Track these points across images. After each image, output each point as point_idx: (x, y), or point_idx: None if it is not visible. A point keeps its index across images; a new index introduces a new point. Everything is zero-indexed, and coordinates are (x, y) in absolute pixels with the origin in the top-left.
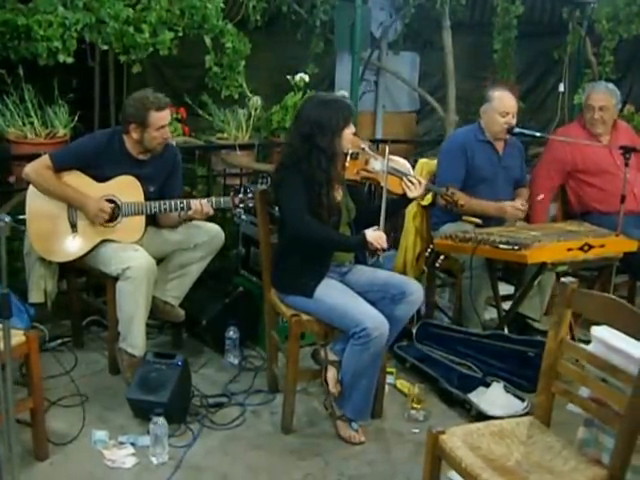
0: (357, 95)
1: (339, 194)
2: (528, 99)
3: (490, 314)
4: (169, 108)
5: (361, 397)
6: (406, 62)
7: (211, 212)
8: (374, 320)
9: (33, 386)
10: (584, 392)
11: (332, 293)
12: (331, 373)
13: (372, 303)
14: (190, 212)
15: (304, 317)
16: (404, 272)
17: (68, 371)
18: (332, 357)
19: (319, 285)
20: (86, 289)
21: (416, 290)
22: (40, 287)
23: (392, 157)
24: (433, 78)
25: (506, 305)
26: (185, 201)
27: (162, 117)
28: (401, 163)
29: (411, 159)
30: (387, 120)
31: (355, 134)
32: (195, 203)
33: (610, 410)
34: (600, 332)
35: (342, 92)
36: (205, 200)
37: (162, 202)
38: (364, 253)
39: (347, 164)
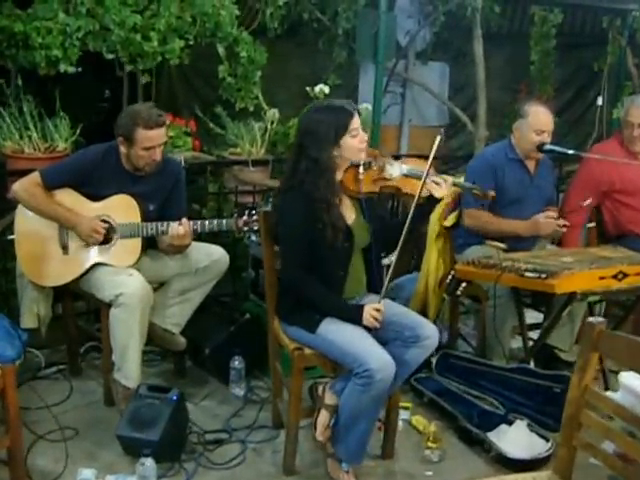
0: (380, 108)
1: (350, 214)
2: (565, 113)
3: (517, 342)
4: (163, 128)
5: (356, 440)
6: (435, 73)
7: (187, 241)
8: (379, 361)
9: (10, 423)
10: (609, 446)
11: (337, 328)
12: (322, 417)
13: (382, 342)
14: (167, 237)
15: (307, 351)
16: (425, 297)
17: (57, 403)
18: (329, 399)
19: (324, 320)
20: (86, 312)
21: (431, 335)
22: (33, 311)
23: (407, 160)
24: (465, 90)
25: (534, 334)
26: (165, 224)
27: (150, 137)
28: (419, 164)
29: None
30: (413, 135)
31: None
32: (173, 226)
33: (638, 468)
34: (629, 380)
35: (365, 105)
36: (185, 221)
37: (159, 224)
38: (378, 281)
39: (361, 176)
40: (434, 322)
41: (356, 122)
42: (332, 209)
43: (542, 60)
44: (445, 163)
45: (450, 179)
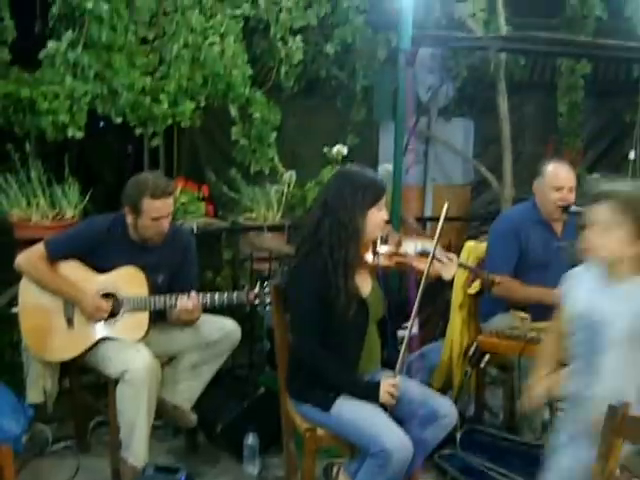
0: (401, 168)
1: (366, 285)
2: (597, 167)
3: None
4: (171, 197)
5: None
6: (459, 129)
7: (196, 315)
8: (396, 440)
9: None
10: None
11: (352, 407)
12: None
13: (398, 421)
14: (176, 310)
15: (320, 432)
16: (450, 367)
17: None
18: None
19: (338, 398)
20: (95, 385)
21: (449, 413)
22: (39, 386)
23: (424, 238)
24: (492, 146)
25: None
26: (174, 297)
27: (157, 207)
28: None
29: (464, 240)
30: (437, 194)
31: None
32: (181, 300)
33: None
34: None
35: (386, 166)
36: (194, 295)
37: (168, 297)
38: (394, 355)
39: (379, 249)
40: (459, 393)
41: (385, 198)
42: (349, 275)
43: (570, 112)
44: (469, 225)
45: (456, 259)
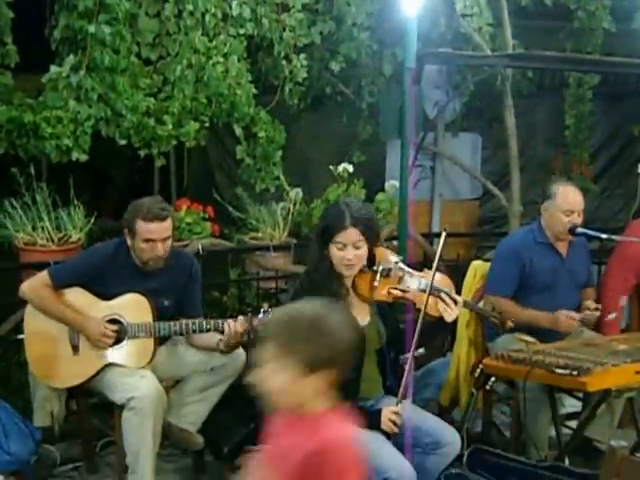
0: (407, 185)
1: (363, 316)
2: (603, 179)
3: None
4: (165, 222)
5: None
6: (466, 145)
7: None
8: (399, 469)
9: None
10: None
11: None
12: None
13: (401, 448)
14: (225, 338)
15: None
16: (457, 386)
17: None
18: None
19: None
20: (103, 406)
21: (452, 441)
22: (46, 410)
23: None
24: (500, 158)
25: (574, 423)
26: (178, 324)
27: (149, 230)
28: (444, 282)
29: (472, 254)
30: (445, 210)
31: (387, 247)
32: (229, 325)
33: None
34: None
35: (392, 182)
36: (242, 318)
37: (172, 324)
38: (395, 383)
39: (376, 283)
40: (466, 411)
41: (345, 237)
42: (339, 297)
43: (578, 124)
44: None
45: (461, 301)
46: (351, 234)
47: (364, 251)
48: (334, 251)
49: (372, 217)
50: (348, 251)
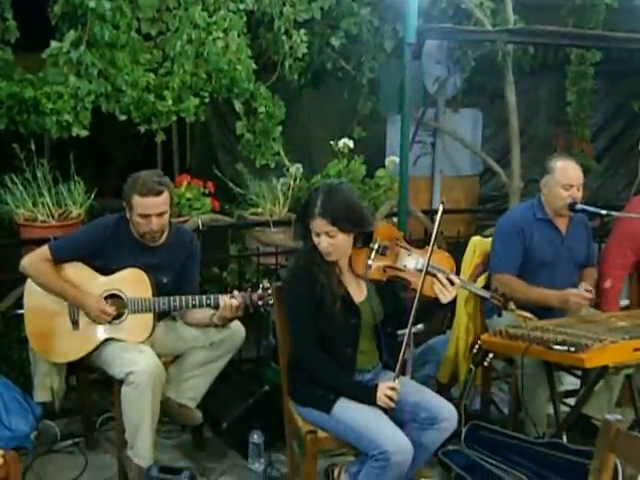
0: (407, 161)
1: (359, 292)
2: (606, 158)
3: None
4: (160, 197)
5: None
6: (467, 120)
7: (240, 313)
8: (396, 443)
9: None
10: None
11: (352, 409)
12: None
13: (398, 423)
14: (219, 312)
15: (321, 434)
16: (456, 362)
17: None
18: None
19: (339, 400)
20: (102, 382)
21: (449, 416)
22: (46, 385)
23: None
24: (501, 135)
25: (572, 400)
26: (178, 299)
27: (144, 204)
28: (445, 261)
29: (472, 230)
30: (446, 185)
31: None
32: (224, 299)
33: None
34: None
35: (393, 158)
36: (237, 293)
37: (172, 299)
38: (392, 357)
39: (370, 262)
40: (464, 388)
41: (315, 226)
42: (330, 273)
43: (579, 101)
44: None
45: (458, 282)
46: (319, 224)
47: (341, 240)
48: (313, 236)
49: (349, 206)
50: (322, 239)
